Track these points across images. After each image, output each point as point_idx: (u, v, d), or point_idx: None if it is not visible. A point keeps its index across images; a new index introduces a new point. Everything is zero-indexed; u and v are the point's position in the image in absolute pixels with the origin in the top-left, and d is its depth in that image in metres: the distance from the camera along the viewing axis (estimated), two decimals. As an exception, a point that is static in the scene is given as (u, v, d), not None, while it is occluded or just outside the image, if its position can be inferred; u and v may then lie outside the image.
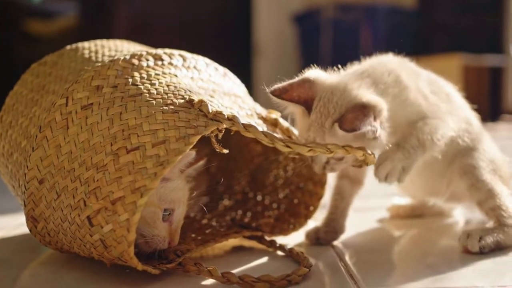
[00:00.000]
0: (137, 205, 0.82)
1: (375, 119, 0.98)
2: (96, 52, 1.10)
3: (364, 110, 0.97)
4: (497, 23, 4.77)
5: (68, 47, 1.15)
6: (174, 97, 0.93)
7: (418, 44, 4.55)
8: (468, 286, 0.86)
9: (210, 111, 0.89)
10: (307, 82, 1.02)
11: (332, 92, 1.00)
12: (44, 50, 1.17)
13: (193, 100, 0.92)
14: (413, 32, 4.68)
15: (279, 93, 1.01)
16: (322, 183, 1.17)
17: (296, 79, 1.03)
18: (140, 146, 0.86)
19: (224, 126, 0.88)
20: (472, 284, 0.87)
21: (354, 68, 1.12)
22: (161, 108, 0.90)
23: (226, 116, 0.88)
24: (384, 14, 4.49)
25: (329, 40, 4.31)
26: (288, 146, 0.87)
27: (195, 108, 0.91)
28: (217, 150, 0.90)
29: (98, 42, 1.16)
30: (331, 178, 1.20)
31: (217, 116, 0.88)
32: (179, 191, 0.97)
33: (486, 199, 1.11)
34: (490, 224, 1.10)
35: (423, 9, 4.99)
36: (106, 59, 1.05)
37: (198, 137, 0.86)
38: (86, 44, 1.14)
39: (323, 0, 4.57)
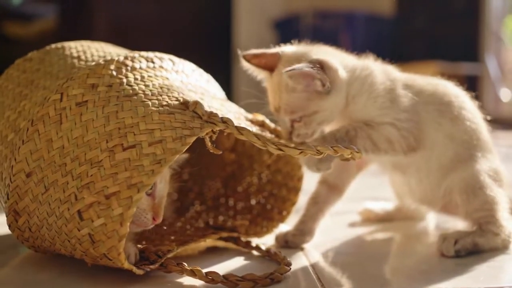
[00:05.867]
0: (133, 200, 0.83)
1: (324, 71, 1.03)
2: (84, 52, 1.10)
3: (313, 62, 1.02)
4: (474, 31, 4.83)
5: (53, 45, 1.14)
6: (168, 98, 0.95)
7: (395, 51, 4.60)
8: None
9: (205, 112, 0.92)
10: (277, 54, 1.10)
11: (295, 54, 1.08)
12: (23, 52, 1.15)
13: (188, 101, 0.94)
14: (390, 39, 4.75)
15: (249, 58, 1.10)
16: (296, 190, 1.19)
17: (270, 50, 1.11)
18: (136, 144, 0.87)
19: (219, 128, 0.90)
20: (437, 286, 0.90)
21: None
22: (157, 109, 0.92)
23: (220, 119, 0.91)
24: (362, 21, 4.57)
25: (309, 46, 4.35)
26: (280, 149, 0.89)
27: (189, 110, 0.93)
28: (211, 151, 0.92)
29: (84, 42, 1.16)
30: (310, 185, 1.21)
31: (212, 118, 0.91)
32: None
33: (480, 211, 1.08)
34: (468, 228, 1.11)
35: (401, 17, 5.07)
36: (96, 58, 1.06)
37: (194, 138, 0.88)
38: (72, 43, 1.14)
39: (303, 6, 4.63)
